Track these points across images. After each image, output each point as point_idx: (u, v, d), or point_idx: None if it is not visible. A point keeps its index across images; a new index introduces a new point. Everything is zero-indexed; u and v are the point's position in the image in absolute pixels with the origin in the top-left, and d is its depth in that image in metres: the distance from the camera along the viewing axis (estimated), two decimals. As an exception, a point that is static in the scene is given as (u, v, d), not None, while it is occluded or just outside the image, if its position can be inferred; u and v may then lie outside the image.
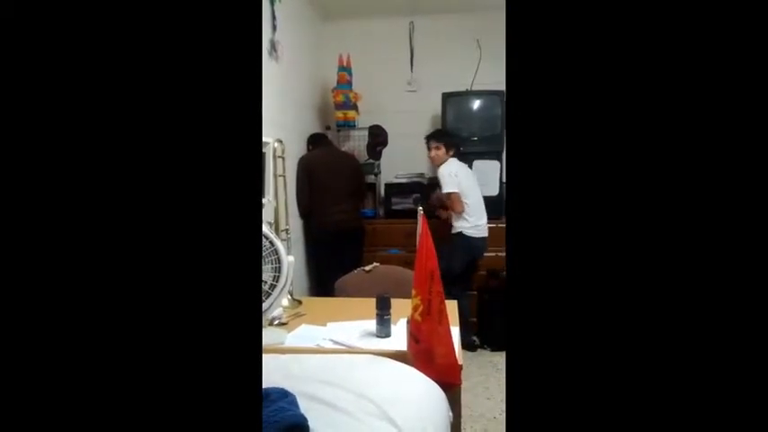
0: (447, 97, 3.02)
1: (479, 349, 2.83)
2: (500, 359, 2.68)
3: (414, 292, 1.22)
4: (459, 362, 1.26)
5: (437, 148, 2.70)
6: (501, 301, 2.81)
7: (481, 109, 3.04)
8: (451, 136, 2.81)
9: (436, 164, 2.73)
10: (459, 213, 2.63)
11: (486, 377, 2.50)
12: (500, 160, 2.97)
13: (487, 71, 3.17)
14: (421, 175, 3.19)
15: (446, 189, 2.63)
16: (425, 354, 1.21)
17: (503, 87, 3.00)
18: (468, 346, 2.77)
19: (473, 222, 2.66)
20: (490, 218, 2.91)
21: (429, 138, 2.78)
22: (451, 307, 1.62)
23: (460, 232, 2.66)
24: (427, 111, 3.27)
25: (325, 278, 2.55)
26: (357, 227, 2.85)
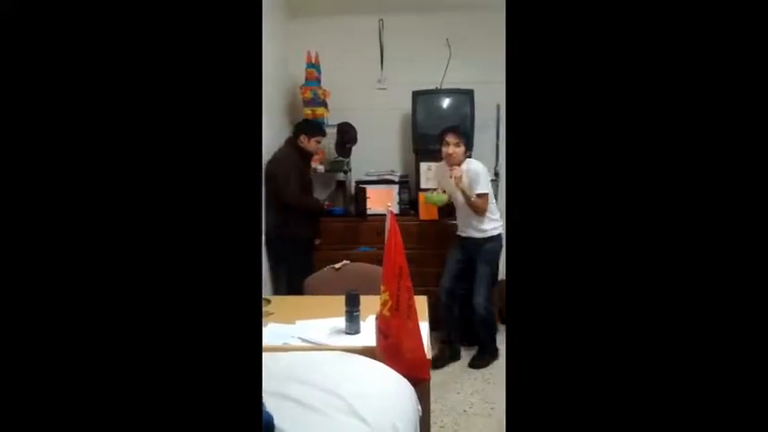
0: (417, 95, 3.04)
1: (450, 344, 2.86)
2: (471, 354, 2.72)
3: (382, 288, 1.22)
4: (428, 356, 1.27)
5: (458, 144, 2.45)
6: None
7: (451, 107, 3.07)
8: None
9: (454, 162, 2.47)
10: (483, 214, 2.48)
11: (457, 372, 2.53)
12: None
13: (457, 70, 3.20)
14: (392, 172, 3.19)
15: (481, 189, 2.44)
16: (394, 349, 1.22)
17: (472, 86, 3.04)
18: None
19: (502, 221, 2.57)
20: (459, 215, 2.95)
21: (449, 132, 2.50)
22: (421, 303, 1.64)
23: (500, 233, 2.55)
24: (397, 108, 3.28)
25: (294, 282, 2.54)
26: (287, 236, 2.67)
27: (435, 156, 2.89)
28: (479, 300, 2.53)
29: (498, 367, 2.51)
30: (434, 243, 2.94)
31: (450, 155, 2.47)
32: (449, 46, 3.24)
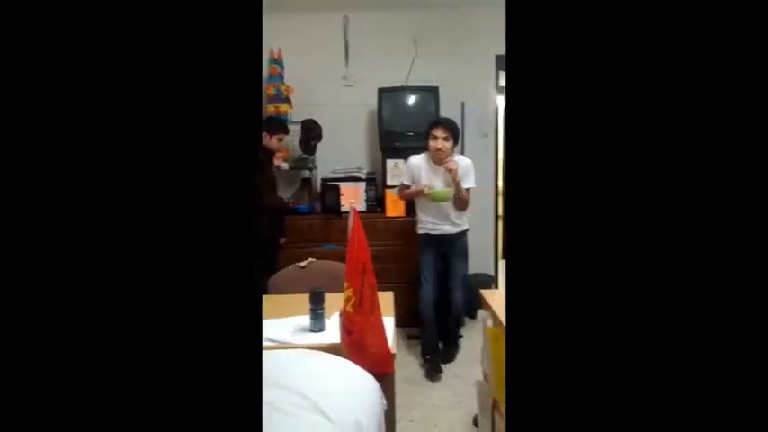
0: (383, 92, 3.04)
1: (418, 339, 2.89)
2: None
3: (346, 284, 1.22)
4: (392, 351, 1.28)
5: (446, 138, 2.36)
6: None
7: (417, 105, 3.09)
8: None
9: (442, 157, 2.37)
10: (467, 209, 2.49)
11: (426, 366, 2.56)
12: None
13: (422, 68, 3.23)
14: (358, 169, 3.19)
15: (471, 184, 2.43)
16: (358, 345, 1.22)
17: (437, 84, 3.07)
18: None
19: None
20: (426, 211, 2.98)
21: (437, 125, 2.41)
22: (387, 298, 1.65)
23: (468, 227, 2.58)
24: (363, 105, 3.28)
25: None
26: None
27: (401, 153, 2.91)
28: (458, 297, 2.52)
29: (465, 361, 2.55)
30: (402, 239, 2.96)
31: (439, 149, 2.36)
32: (414, 44, 3.26)
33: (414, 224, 2.94)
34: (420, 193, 2.44)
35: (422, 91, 3.08)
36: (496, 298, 1.60)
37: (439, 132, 2.36)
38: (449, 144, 2.37)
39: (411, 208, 2.95)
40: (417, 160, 2.51)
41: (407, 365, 2.55)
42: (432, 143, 2.38)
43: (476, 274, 3.15)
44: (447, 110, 3.17)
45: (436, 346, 2.58)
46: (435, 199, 2.41)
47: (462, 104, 3.30)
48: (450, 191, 2.40)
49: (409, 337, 2.90)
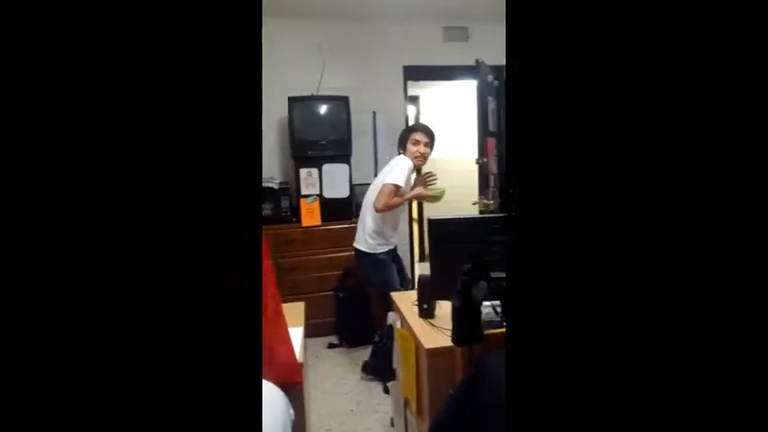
0: (293, 101, 3.03)
1: (338, 347, 2.89)
2: (357, 355, 2.77)
3: (248, 296, 1.20)
4: (300, 360, 1.28)
5: (427, 144, 2.29)
6: (356, 300, 2.91)
7: (328, 114, 3.11)
8: None
9: (422, 163, 2.32)
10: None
11: (344, 374, 2.57)
12: (348, 164, 3.07)
13: (333, 77, 3.26)
14: (272, 179, 3.14)
15: (392, 180, 2.29)
16: (265, 356, 1.20)
17: (348, 93, 3.12)
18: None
19: None
20: (341, 219, 3.01)
21: (418, 130, 2.30)
22: (298, 309, 1.64)
23: None
24: (273, 114, 3.23)
25: None
26: None
27: (314, 161, 2.91)
28: None
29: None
30: (318, 249, 2.95)
31: (422, 154, 2.28)
32: (323, 53, 3.28)
33: (331, 233, 2.94)
34: (419, 194, 2.31)
35: (333, 100, 3.11)
36: (404, 299, 1.65)
37: (420, 137, 2.29)
38: (430, 150, 2.31)
39: (329, 216, 2.95)
40: (406, 162, 2.29)
41: (326, 375, 2.54)
42: (414, 147, 2.28)
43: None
44: (359, 119, 3.23)
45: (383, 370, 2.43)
46: (438, 198, 2.33)
47: (374, 114, 3.38)
48: (443, 188, 2.37)
49: (329, 347, 2.89)
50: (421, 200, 2.31)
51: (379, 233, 2.32)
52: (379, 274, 2.31)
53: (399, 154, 2.36)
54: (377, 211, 2.21)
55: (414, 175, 2.36)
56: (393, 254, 2.42)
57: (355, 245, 2.41)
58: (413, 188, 2.36)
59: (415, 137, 2.29)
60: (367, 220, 2.32)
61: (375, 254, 2.32)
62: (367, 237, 2.33)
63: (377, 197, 2.21)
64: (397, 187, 2.20)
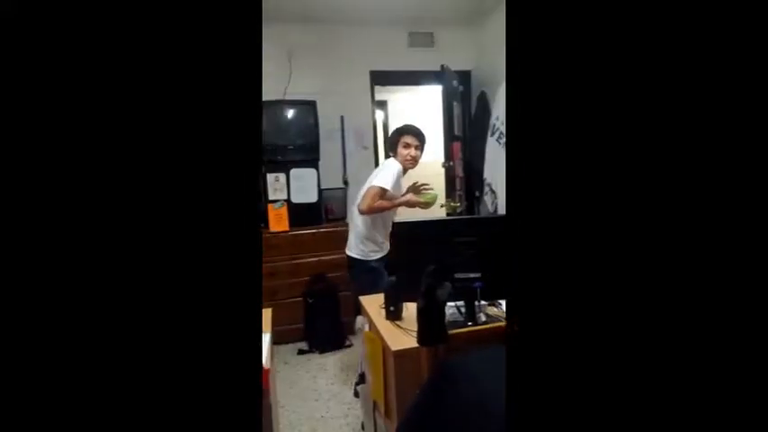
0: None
1: (308, 353, 2.87)
2: (327, 360, 2.76)
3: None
4: (267, 366, 1.26)
5: (418, 147, 2.23)
6: (326, 305, 2.90)
7: (296, 118, 3.10)
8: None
9: (412, 167, 2.26)
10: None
11: (314, 380, 2.55)
12: (316, 168, 3.06)
13: (300, 81, 3.25)
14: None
15: (378, 183, 2.21)
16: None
17: (315, 98, 3.12)
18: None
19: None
20: (310, 224, 2.99)
21: (409, 133, 2.23)
22: (265, 315, 1.62)
23: None
24: (240, 119, 3.19)
25: None
26: None
27: (282, 166, 2.88)
28: None
29: (355, 368, 2.59)
30: (286, 254, 2.93)
31: (413, 158, 2.22)
32: (289, 58, 3.27)
33: (298, 238, 2.92)
34: (409, 201, 2.23)
35: (300, 104, 3.10)
36: (372, 302, 1.66)
37: (411, 140, 2.22)
38: (420, 153, 2.25)
39: (298, 221, 2.93)
40: (394, 166, 2.21)
41: (298, 381, 2.52)
42: (405, 151, 2.21)
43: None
44: (327, 123, 3.23)
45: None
46: (430, 204, 2.27)
47: (342, 118, 3.39)
48: (435, 193, 2.34)
49: (299, 353, 2.86)
50: (411, 206, 2.24)
51: (370, 239, 2.25)
52: (370, 283, 2.13)
53: (389, 157, 2.30)
54: (360, 212, 2.16)
55: (403, 179, 2.28)
56: (386, 261, 2.29)
57: (347, 251, 2.33)
58: (404, 194, 2.31)
59: (405, 140, 2.23)
60: (358, 225, 2.27)
61: (368, 261, 2.25)
62: (359, 243, 2.25)
63: (361, 199, 2.15)
64: (383, 190, 2.12)
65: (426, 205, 2.28)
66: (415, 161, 2.24)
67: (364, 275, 2.24)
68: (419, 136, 2.24)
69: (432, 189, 2.38)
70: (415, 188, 2.35)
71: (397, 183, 2.21)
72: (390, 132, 2.31)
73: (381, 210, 2.16)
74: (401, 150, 2.23)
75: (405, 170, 2.25)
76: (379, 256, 2.28)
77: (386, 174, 2.17)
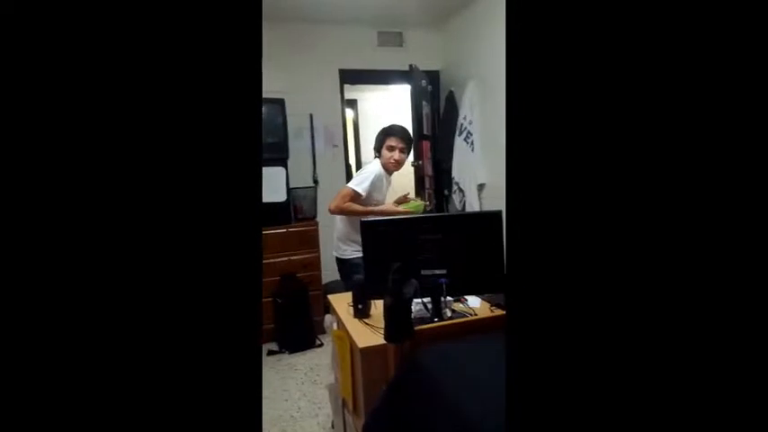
0: (226, 104, 2.95)
1: (278, 354, 2.85)
2: (297, 360, 2.75)
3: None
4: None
5: (403, 150, 2.15)
6: (296, 305, 2.88)
7: (265, 116, 3.06)
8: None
9: (397, 170, 2.20)
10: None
11: (284, 380, 2.53)
12: (285, 166, 3.04)
13: (268, 79, 3.19)
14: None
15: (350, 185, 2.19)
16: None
17: (283, 96, 3.09)
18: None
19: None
20: (279, 224, 2.97)
21: (393, 135, 2.15)
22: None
23: None
24: (207, 117, 3.13)
25: None
26: None
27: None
28: None
29: (325, 368, 2.59)
30: (264, 254, 2.89)
31: (397, 161, 2.13)
32: (257, 55, 3.23)
33: (272, 238, 2.89)
34: (388, 210, 2.13)
35: (268, 102, 3.06)
36: (340, 301, 1.67)
37: (396, 142, 2.12)
38: (406, 155, 2.17)
39: (266, 221, 2.90)
40: (377, 171, 2.14)
41: (268, 382, 2.50)
42: (389, 153, 2.13)
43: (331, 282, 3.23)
44: (296, 121, 3.21)
45: None
46: (418, 212, 2.18)
47: (311, 116, 3.37)
48: (420, 202, 2.30)
49: (269, 354, 2.84)
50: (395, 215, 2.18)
51: (350, 239, 2.18)
52: (353, 280, 2.13)
53: (375, 158, 2.24)
54: (330, 211, 2.13)
55: (385, 182, 2.22)
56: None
57: (333, 252, 2.31)
58: (388, 204, 2.27)
59: (389, 142, 2.14)
60: (338, 226, 2.25)
61: (350, 259, 2.20)
62: (341, 243, 2.22)
63: (334, 198, 2.11)
64: (356, 194, 2.06)
65: (412, 214, 2.20)
66: (398, 164, 2.16)
67: (348, 274, 2.22)
68: (405, 138, 2.16)
69: (415, 199, 2.36)
70: (399, 201, 2.32)
71: (376, 185, 2.13)
72: (377, 132, 2.27)
73: (353, 213, 2.08)
74: (385, 153, 2.16)
75: (389, 172, 2.20)
76: (360, 255, 2.25)
77: (361, 177, 2.11)
